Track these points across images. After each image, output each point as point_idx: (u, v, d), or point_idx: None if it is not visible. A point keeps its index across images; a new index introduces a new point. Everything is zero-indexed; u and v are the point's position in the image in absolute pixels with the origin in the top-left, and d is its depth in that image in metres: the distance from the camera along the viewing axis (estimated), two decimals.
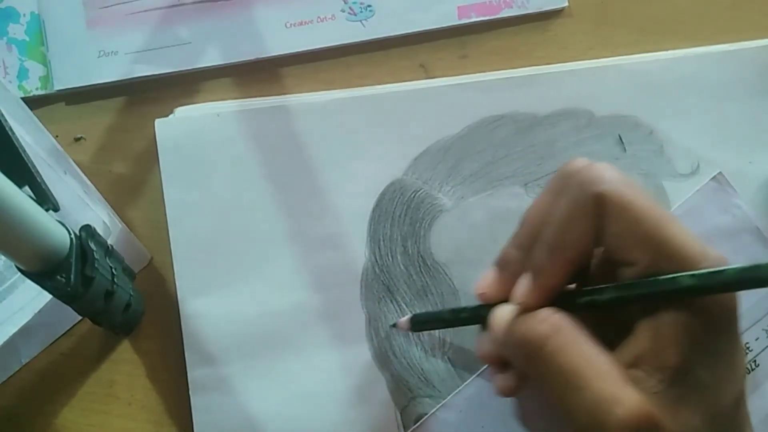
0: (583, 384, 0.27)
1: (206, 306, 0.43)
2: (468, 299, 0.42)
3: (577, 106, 0.45)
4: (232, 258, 0.43)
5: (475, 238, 0.43)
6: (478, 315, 0.34)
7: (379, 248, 0.43)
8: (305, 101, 0.46)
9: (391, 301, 0.43)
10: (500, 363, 0.33)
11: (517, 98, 0.45)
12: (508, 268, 0.33)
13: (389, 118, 0.45)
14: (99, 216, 0.43)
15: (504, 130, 0.45)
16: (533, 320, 0.29)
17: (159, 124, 0.45)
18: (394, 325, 0.42)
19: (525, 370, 0.31)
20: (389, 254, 0.43)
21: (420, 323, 0.39)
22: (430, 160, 0.45)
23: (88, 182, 0.45)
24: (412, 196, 0.44)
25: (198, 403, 0.42)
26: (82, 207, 0.43)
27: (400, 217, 0.44)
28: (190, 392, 0.42)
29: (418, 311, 0.43)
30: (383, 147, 0.45)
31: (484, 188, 0.44)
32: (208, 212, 0.44)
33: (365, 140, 0.45)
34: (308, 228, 0.44)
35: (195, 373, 0.42)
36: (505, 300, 0.32)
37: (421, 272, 0.43)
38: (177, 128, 0.45)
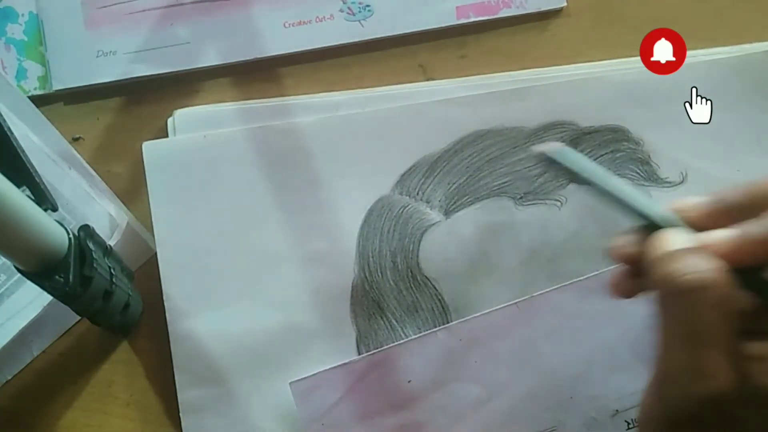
0: (690, 347, 0.27)
1: (196, 327, 0.42)
2: (458, 314, 0.42)
3: (564, 118, 0.45)
4: (222, 277, 0.43)
5: (464, 251, 0.43)
6: (654, 216, 0.30)
7: (368, 264, 0.43)
8: (290, 123, 0.45)
9: (381, 318, 0.43)
10: (632, 265, 0.31)
11: (504, 112, 0.45)
12: (720, 206, 0.30)
13: (375, 135, 0.45)
14: (105, 209, 0.43)
15: (491, 144, 0.45)
16: (705, 262, 0.27)
17: (146, 146, 0.45)
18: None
19: (660, 297, 0.28)
20: (378, 270, 0.43)
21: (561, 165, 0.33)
22: (418, 175, 0.44)
23: (94, 174, 0.45)
24: (401, 211, 0.44)
25: (189, 424, 0.41)
26: (87, 200, 0.43)
27: (388, 232, 0.43)
28: (181, 413, 0.41)
29: (408, 328, 0.42)
30: (370, 164, 0.45)
31: (472, 202, 0.44)
32: (196, 233, 0.43)
33: (352, 158, 0.45)
34: (297, 246, 0.43)
35: (185, 395, 0.41)
36: (690, 226, 0.30)
37: (411, 287, 0.43)
38: (164, 150, 0.45)
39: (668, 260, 0.28)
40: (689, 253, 0.28)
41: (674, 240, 0.29)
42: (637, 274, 0.31)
